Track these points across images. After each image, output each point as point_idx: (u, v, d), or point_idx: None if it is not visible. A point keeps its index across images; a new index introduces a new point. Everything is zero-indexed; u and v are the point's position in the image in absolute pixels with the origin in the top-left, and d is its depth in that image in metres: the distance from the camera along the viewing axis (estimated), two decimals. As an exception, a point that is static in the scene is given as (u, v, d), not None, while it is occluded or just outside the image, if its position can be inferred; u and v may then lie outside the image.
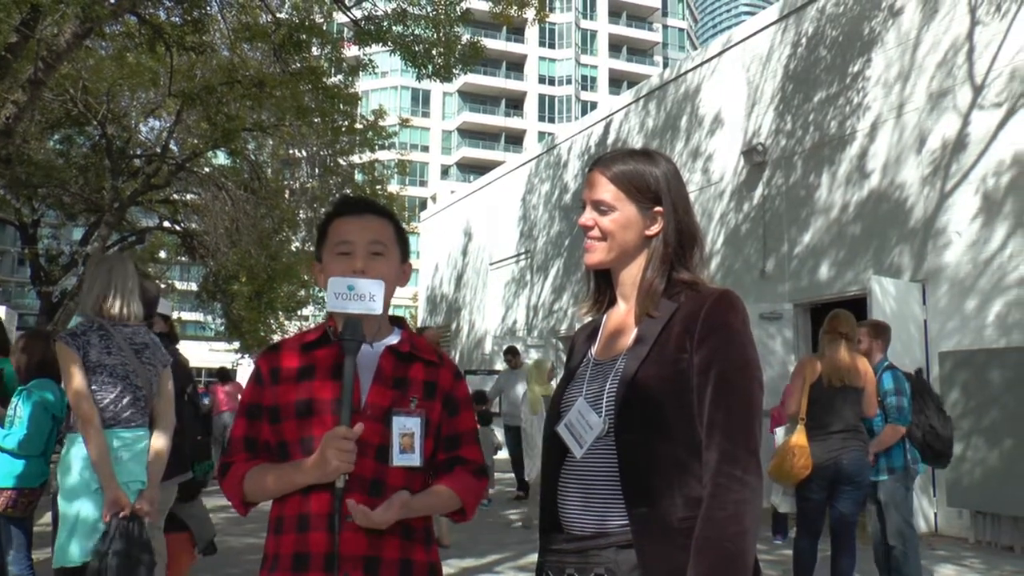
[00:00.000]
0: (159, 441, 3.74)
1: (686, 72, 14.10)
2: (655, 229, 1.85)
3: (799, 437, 5.43)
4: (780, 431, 7.81)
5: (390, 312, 2.12)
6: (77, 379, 3.48)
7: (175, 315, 40.01)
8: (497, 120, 72.06)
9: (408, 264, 2.16)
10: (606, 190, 1.85)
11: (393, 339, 2.08)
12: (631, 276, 1.86)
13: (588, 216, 1.87)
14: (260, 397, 2.03)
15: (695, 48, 72.23)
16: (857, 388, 5.53)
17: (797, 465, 5.40)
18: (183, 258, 23.95)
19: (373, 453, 1.90)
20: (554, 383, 9.60)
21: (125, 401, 3.60)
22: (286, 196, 20.42)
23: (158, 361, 3.80)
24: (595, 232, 1.86)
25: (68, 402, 3.62)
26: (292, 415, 1.95)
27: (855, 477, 5.44)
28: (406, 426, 1.92)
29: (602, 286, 1.97)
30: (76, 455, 3.52)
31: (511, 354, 12.19)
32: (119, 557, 3.32)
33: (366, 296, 1.91)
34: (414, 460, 1.92)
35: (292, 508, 1.92)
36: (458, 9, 13.31)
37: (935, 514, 9.07)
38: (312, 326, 2.43)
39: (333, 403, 1.92)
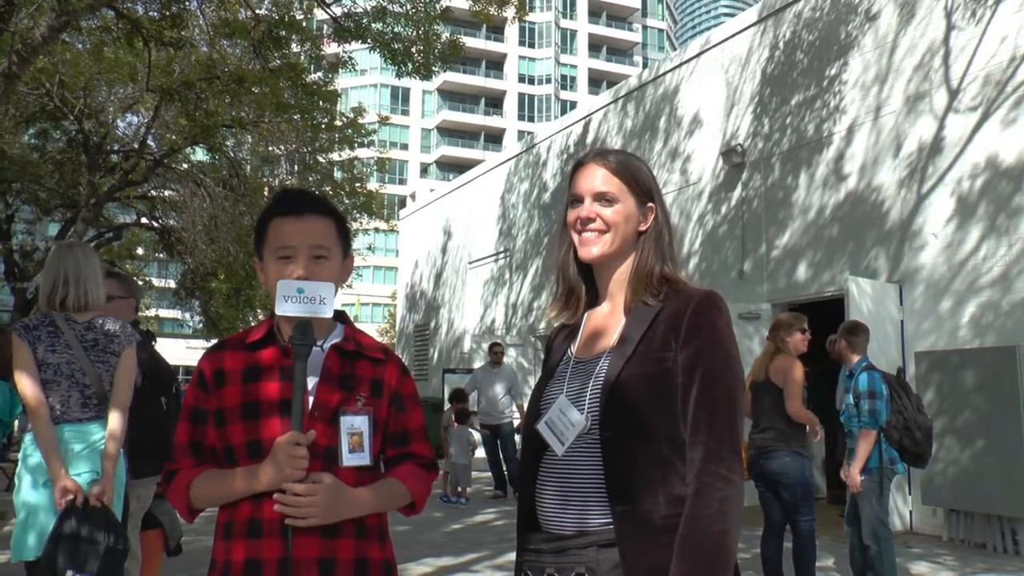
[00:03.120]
0: (112, 420, 3.62)
1: (665, 73, 14.15)
2: (647, 225, 1.85)
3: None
4: None
5: (359, 310, 2.08)
6: (26, 371, 3.44)
7: (152, 312, 39.75)
8: (476, 119, 72.03)
9: (350, 258, 2.11)
10: (609, 182, 1.83)
11: (337, 337, 2.04)
12: (621, 273, 1.85)
13: (589, 208, 1.83)
14: (204, 401, 1.98)
15: (674, 49, 72.47)
16: (775, 386, 5.70)
17: None
18: (161, 255, 23.78)
19: (322, 454, 1.86)
20: None
21: (73, 399, 3.55)
22: (265, 193, 20.30)
23: (112, 353, 3.68)
24: (597, 224, 1.82)
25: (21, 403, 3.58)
26: (238, 418, 1.91)
27: (779, 478, 5.68)
28: (354, 425, 1.89)
29: (574, 288, 1.94)
30: (27, 452, 3.51)
31: (496, 351, 12.04)
32: (74, 541, 3.29)
33: (316, 299, 1.88)
34: (364, 459, 1.89)
35: (243, 513, 1.87)
36: (438, 7, 13.31)
37: (910, 512, 9.16)
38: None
39: (279, 404, 1.88)
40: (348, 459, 1.88)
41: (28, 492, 3.43)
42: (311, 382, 1.93)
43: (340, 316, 2.12)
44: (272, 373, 1.93)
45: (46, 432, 3.39)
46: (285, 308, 1.87)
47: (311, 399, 1.91)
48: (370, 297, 57.32)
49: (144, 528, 4.65)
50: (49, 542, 3.28)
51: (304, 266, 1.94)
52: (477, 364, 15.84)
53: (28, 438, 3.51)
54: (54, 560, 3.25)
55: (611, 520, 1.65)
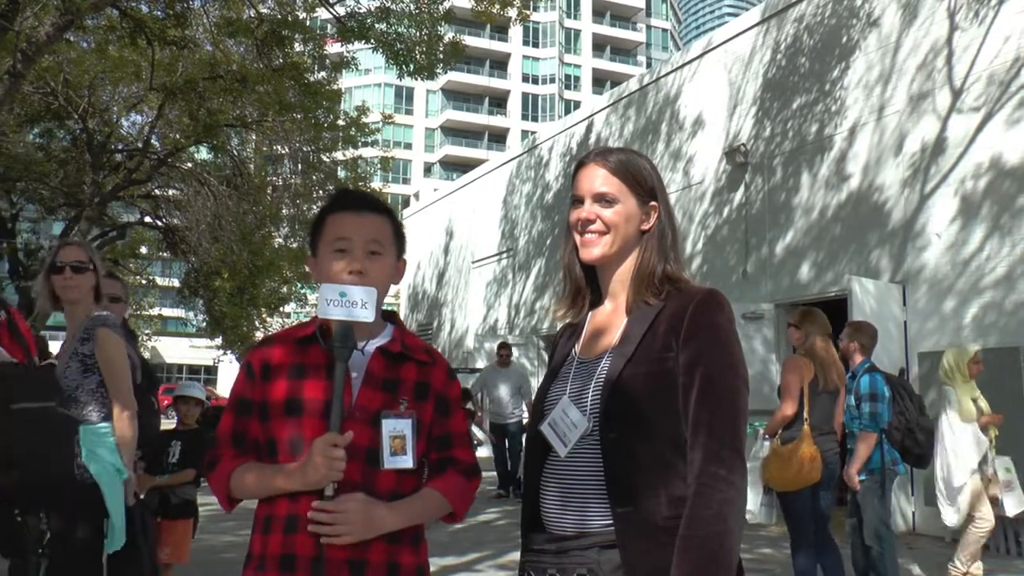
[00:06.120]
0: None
1: (668, 73, 14.14)
2: (649, 224, 1.85)
3: (811, 444, 5.23)
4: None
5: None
6: (128, 368, 3.54)
7: (156, 311, 39.78)
8: (480, 118, 72.01)
9: (403, 260, 2.13)
10: (609, 182, 1.82)
11: (384, 339, 2.04)
12: (623, 272, 1.85)
13: (589, 209, 1.83)
14: (250, 392, 1.99)
15: (678, 48, 72.39)
16: (839, 390, 5.51)
17: (813, 471, 5.23)
18: (165, 254, 23.78)
19: (362, 457, 1.87)
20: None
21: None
22: (269, 192, 20.32)
23: None
24: (597, 225, 1.82)
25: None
26: (281, 413, 1.92)
27: (837, 475, 5.45)
28: (396, 428, 1.90)
29: (581, 287, 1.94)
30: (106, 445, 3.48)
31: (503, 353, 12.04)
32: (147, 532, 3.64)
33: (358, 303, 1.88)
34: (406, 462, 1.90)
35: (281, 508, 1.89)
36: (440, 8, 13.31)
37: (913, 513, 9.15)
38: (293, 323, 2.39)
39: (323, 404, 1.89)
40: (389, 462, 1.88)
41: (117, 488, 3.44)
42: (355, 384, 1.94)
43: (391, 317, 2.13)
44: (318, 372, 1.94)
45: (133, 431, 3.52)
46: (327, 312, 1.87)
47: (352, 400, 1.92)
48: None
49: (176, 517, 5.17)
50: (141, 540, 3.55)
51: (360, 260, 1.96)
52: (480, 364, 15.85)
53: (104, 429, 3.50)
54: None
55: (612, 521, 1.66)
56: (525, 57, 72.72)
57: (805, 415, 5.31)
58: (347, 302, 1.88)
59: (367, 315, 1.89)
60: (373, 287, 1.92)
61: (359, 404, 1.92)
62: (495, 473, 11.97)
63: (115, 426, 3.48)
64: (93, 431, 3.47)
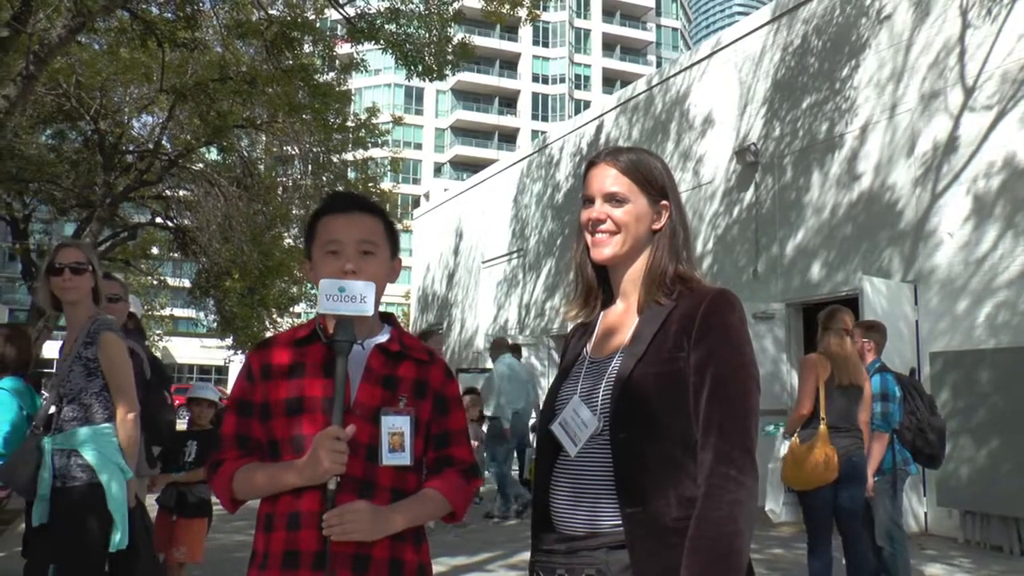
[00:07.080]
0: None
1: (678, 72, 14.12)
2: (660, 223, 1.84)
3: (826, 443, 5.15)
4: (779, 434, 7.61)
5: (381, 309, 2.10)
6: (131, 371, 3.57)
7: (167, 311, 39.91)
8: (490, 118, 72.02)
9: (398, 260, 2.14)
10: (619, 182, 1.82)
11: (383, 337, 2.06)
12: (634, 272, 1.84)
13: (600, 209, 1.82)
14: (251, 394, 2.01)
15: (688, 48, 72.25)
16: (861, 387, 5.43)
17: (828, 470, 5.11)
18: (175, 254, 23.85)
19: (363, 453, 1.88)
20: None
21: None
22: (279, 193, 20.36)
23: None
24: (607, 225, 1.82)
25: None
26: (282, 412, 1.94)
27: (862, 472, 5.37)
28: (395, 425, 1.91)
29: (592, 287, 1.93)
30: (110, 446, 3.49)
31: (515, 351, 11.92)
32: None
33: (357, 298, 1.90)
34: (404, 459, 1.91)
35: (284, 506, 1.90)
36: (450, 9, 13.31)
37: (925, 514, 9.11)
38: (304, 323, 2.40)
39: (323, 401, 1.91)
40: (388, 458, 1.90)
41: (120, 487, 3.45)
42: (354, 381, 1.96)
43: (388, 318, 2.15)
44: (316, 369, 1.96)
45: (137, 432, 3.54)
46: (327, 307, 1.89)
47: (352, 397, 1.94)
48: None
49: (192, 515, 5.27)
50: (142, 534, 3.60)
51: (352, 259, 1.98)
52: (490, 364, 15.82)
53: (107, 430, 3.50)
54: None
55: (622, 521, 1.65)
56: (535, 57, 72.71)
57: (822, 414, 5.26)
58: (346, 297, 1.89)
59: (367, 309, 1.90)
60: (371, 281, 1.94)
61: (359, 400, 1.94)
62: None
63: (119, 428, 3.50)
64: (97, 432, 3.48)
